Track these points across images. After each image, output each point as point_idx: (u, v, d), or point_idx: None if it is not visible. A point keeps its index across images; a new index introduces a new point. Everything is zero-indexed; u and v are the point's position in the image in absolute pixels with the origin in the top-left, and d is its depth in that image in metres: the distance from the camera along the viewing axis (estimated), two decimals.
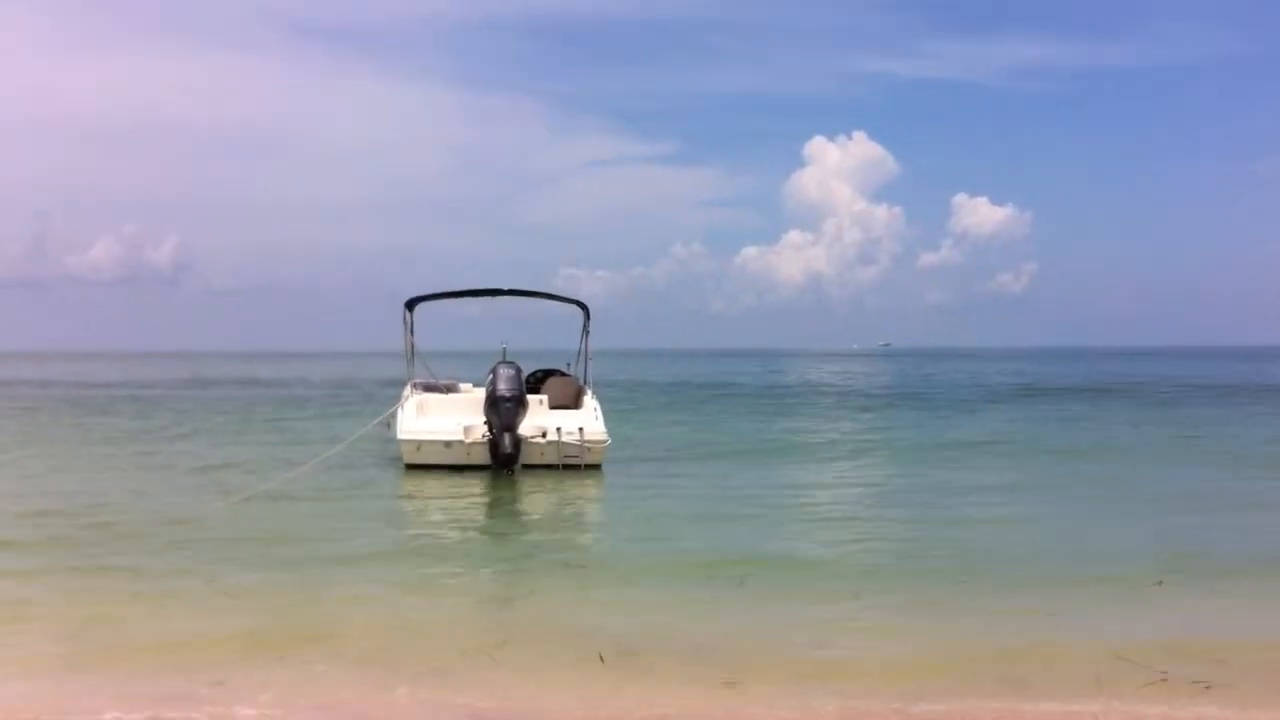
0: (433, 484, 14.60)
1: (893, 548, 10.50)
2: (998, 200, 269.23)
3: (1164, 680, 6.17)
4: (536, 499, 13.83)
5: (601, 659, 6.48)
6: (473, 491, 14.18)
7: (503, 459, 15.11)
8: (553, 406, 16.62)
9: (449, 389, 17.53)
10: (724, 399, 37.55)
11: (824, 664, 6.61)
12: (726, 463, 17.62)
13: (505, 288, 18.44)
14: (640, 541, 10.96)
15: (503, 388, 15.22)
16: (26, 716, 5.64)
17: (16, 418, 27.51)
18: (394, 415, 16.77)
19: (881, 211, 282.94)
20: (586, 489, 14.62)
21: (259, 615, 7.63)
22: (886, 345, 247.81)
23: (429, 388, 17.42)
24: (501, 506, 13.49)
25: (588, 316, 18.64)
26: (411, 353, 18.30)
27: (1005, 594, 8.44)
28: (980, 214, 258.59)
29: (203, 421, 26.33)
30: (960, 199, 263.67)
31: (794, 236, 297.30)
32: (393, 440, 16.39)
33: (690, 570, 9.31)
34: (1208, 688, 6.06)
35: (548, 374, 18.06)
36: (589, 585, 9.18)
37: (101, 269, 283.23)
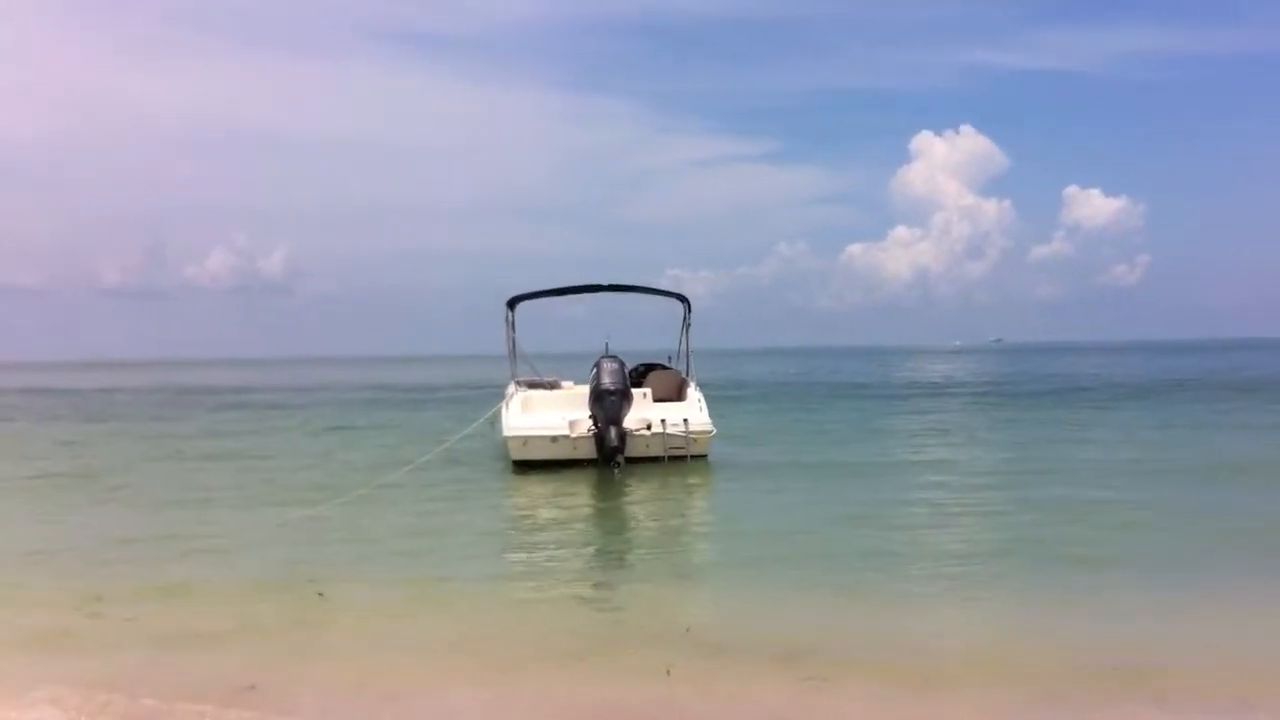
0: (538, 480, 14.53)
1: (1013, 549, 9.85)
2: (1111, 191, 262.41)
3: None
4: (642, 494, 13.62)
5: (669, 672, 6.13)
6: (578, 487, 14.07)
7: (608, 453, 15.02)
8: (656, 399, 16.48)
9: (552, 386, 17.52)
10: (831, 396, 36.93)
11: (926, 669, 6.21)
12: (835, 458, 17.14)
13: (605, 283, 18.37)
14: (744, 537, 10.68)
15: (607, 381, 15.16)
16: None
17: (137, 422, 28.40)
18: (499, 413, 16.80)
19: (990, 205, 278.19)
20: (692, 482, 14.39)
21: (355, 615, 7.61)
22: (998, 340, 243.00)
23: (532, 385, 17.43)
24: (607, 502, 13.31)
25: (688, 310, 18.48)
26: (514, 351, 18.33)
27: (1137, 602, 7.87)
28: (1093, 206, 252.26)
29: (317, 424, 26.93)
30: (1072, 191, 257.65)
31: (900, 232, 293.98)
32: (498, 436, 16.38)
33: (794, 567, 9.03)
34: None
35: (650, 368, 17.99)
36: (688, 582, 9.00)
37: (218, 278, 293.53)
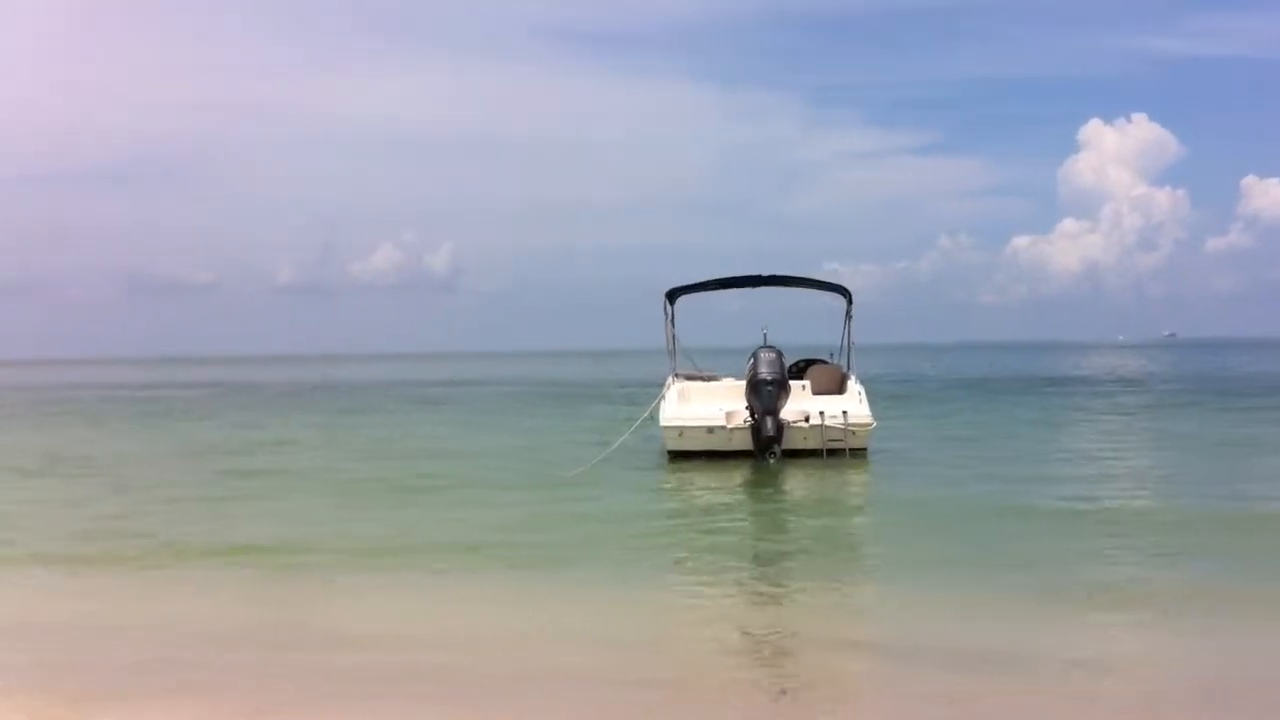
0: (694, 474, 14.45)
1: (1200, 552, 9.31)
2: None
3: None
4: (800, 489, 13.43)
5: (784, 692, 5.91)
6: (735, 481, 13.97)
7: (764, 443, 14.82)
8: (816, 392, 16.26)
9: (710, 379, 17.46)
10: (997, 393, 35.79)
11: (1113, 684, 5.93)
12: (1003, 458, 16.38)
13: (765, 274, 18.23)
14: (910, 535, 10.34)
15: (764, 371, 14.95)
16: None
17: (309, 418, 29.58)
18: (657, 406, 16.80)
19: (1164, 195, 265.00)
20: (851, 477, 14.14)
21: (511, 616, 7.64)
22: (1170, 335, 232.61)
23: (690, 378, 17.40)
24: (766, 499, 13.14)
25: (850, 303, 18.16)
26: (673, 345, 18.30)
27: None
28: (1272, 195, 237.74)
29: (484, 421, 27.76)
30: (1250, 180, 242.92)
31: (1068, 224, 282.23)
32: (655, 431, 16.35)
33: (966, 567, 8.74)
34: None
35: (810, 363, 17.72)
36: (854, 584, 8.77)
37: (383, 275, 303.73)
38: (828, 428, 15.06)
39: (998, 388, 39.14)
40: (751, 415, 15.01)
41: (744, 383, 15.55)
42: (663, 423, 15.86)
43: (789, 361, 16.40)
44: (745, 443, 15.12)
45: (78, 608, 8.04)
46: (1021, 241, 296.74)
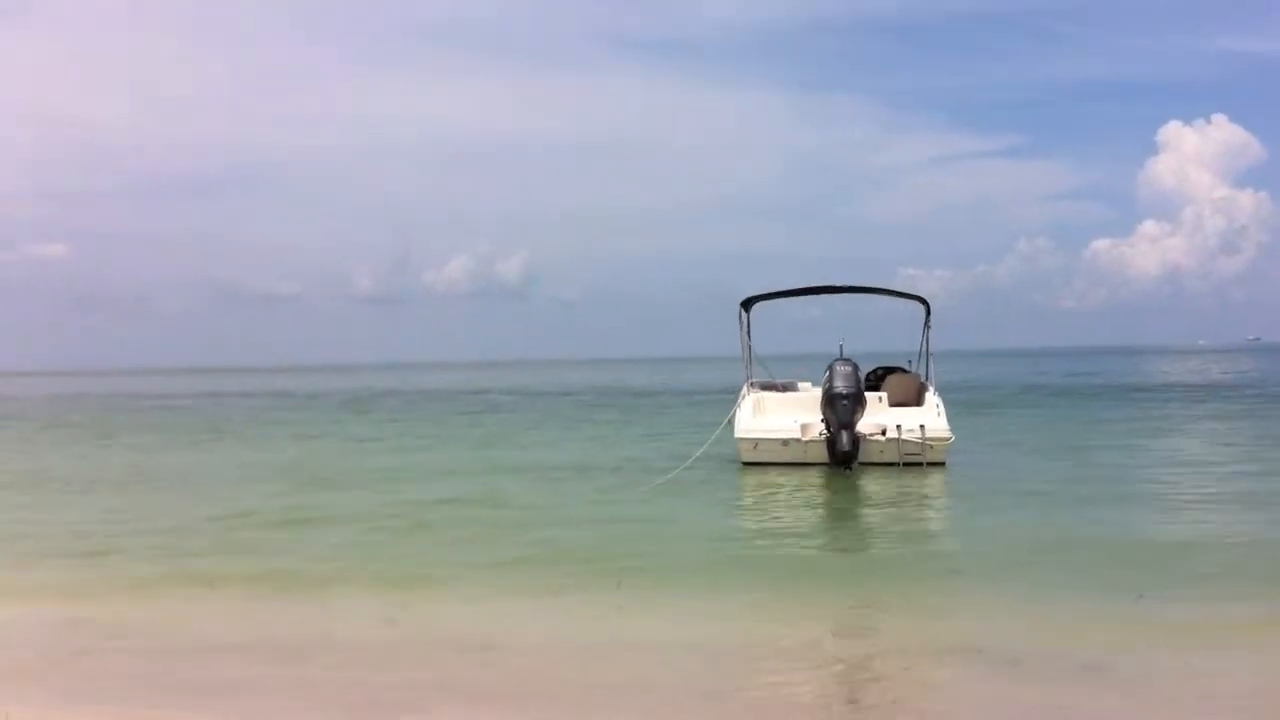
0: (770, 485, 14.37)
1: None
2: None
3: None
4: (879, 504, 13.25)
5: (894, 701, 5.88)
6: (812, 493, 13.88)
7: (840, 457, 14.74)
8: (893, 404, 16.12)
9: (786, 388, 17.37)
10: (1079, 399, 35.13)
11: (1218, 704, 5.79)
12: (1087, 470, 15.93)
13: (842, 284, 18.08)
14: (993, 550, 10.14)
15: (839, 385, 14.84)
16: None
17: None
18: (733, 415, 16.74)
19: (1246, 197, 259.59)
20: (929, 491, 13.92)
21: (590, 627, 7.64)
22: (1255, 339, 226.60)
23: (766, 387, 17.34)
24: (844, 513, 13.01)
25: (929, 312, 17.97)
26: (749, 353, 18.25)
27: None
28: None
29: (557, 427, 27.79)
30: None
31: (1149, 227, 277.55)
32: (730, 440, 16.28)
33: (1054, 583, 8.58)
34: None
35: (888, 371, 17.56)
36: (941, 598, 8.60)
37: (457, 283, 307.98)
38: (905, 441, 14.94)
39: (1079, 395, 38.39)
40: (827, 428, 14.93)
41: (819, 392, 15.48)
42: (738, 435, 15.87)
43: (867, 369, 16.26)
44: (820, 455, 15.11)
45: (104, 621, 8.07)
46: (1101, 245, 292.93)
